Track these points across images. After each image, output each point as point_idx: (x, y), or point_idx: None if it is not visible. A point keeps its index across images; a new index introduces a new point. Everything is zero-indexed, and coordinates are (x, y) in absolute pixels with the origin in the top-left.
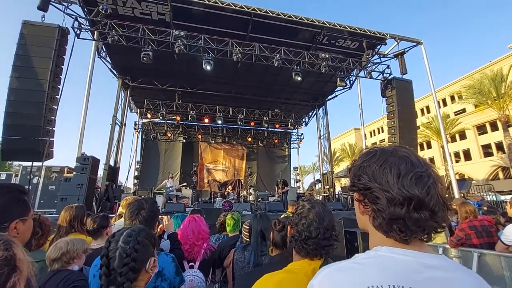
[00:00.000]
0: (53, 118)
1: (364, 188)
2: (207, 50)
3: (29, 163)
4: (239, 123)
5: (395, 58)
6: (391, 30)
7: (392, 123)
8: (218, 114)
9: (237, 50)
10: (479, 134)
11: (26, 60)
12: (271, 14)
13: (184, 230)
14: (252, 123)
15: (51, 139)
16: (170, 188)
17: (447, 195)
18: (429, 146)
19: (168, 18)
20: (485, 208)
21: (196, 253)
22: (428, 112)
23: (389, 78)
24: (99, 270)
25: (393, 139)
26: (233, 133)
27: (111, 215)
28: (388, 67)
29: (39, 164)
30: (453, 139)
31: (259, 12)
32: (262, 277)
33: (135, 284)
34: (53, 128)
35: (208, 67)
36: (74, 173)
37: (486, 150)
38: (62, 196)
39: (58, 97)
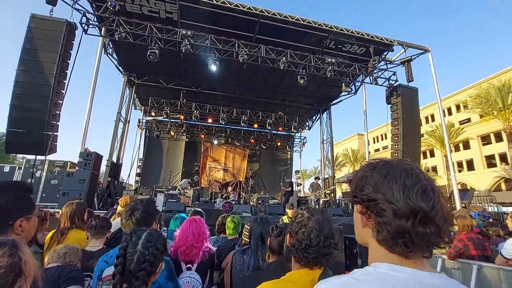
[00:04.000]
0: (58, 112)
1: (368, 199)
2: (213, 50)
3: (33, 157)
4: (243, 124)
5: (402, 65)
6: (398, 36)
7: (396, 130)
8: (222, 114)
9: (243, 51)
10: (483, 145)
11: (33, 53)
12: (279, 17)
13: (184, 231)
14: (256, 125)
15: (55, 133)
16: (182, 191)
17: (450, 210)
18: (432, 154)
19: (176, 17)
20: (488, 220)
21: (194, 255)
22: (433, 120)
23: (394, 85)
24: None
25: (396, 146)
26: (236, 134)
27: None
28: (394, 73)
29: (43, 158)
30: (457, 149)
31: (266, 14)
32: (260, 285)
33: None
34: (58, 123)
35: (214, 67)
36: (76, 168)
37: (490, 161)
38: (64, 190)
39: (64, 91)
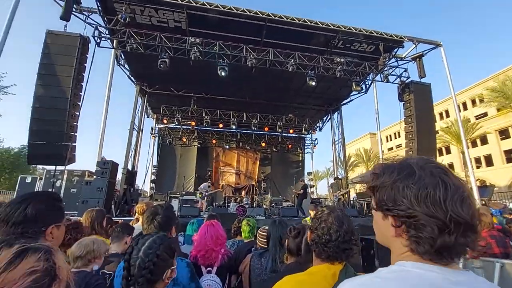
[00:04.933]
0: (75, 124)
1: (407, 215)
2: (222, 56)
3: (52, 167)
4: (253, 128)
5: (413, 61)
6: (409, 32)
7: (410, 127)
8: (232, 119)
9: (251, 55)
10: (502, 139)
11: (50, 68)
12: (286, 19)
13: (203, 235)
14: (266, 128)
15: (73, 144)
16: (204, 193)
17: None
18: (448, 151)
19: (184, 26)
20: (510, 217)
21: (214, 259)
22: (448, 116)
23: (406, 81)
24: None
25: (411, 144)
26: (247, 138)
27: (129, 218)
28: (405, 70)
29: (62, 168)
30: (474, 144)
31: (273, 17)
32: (283, 278)
33: None
34: (75, 134)
35: (223, 73)
36: (94, 176)
37: (509, 156)
38: (83, 199)
39: (80, 103)
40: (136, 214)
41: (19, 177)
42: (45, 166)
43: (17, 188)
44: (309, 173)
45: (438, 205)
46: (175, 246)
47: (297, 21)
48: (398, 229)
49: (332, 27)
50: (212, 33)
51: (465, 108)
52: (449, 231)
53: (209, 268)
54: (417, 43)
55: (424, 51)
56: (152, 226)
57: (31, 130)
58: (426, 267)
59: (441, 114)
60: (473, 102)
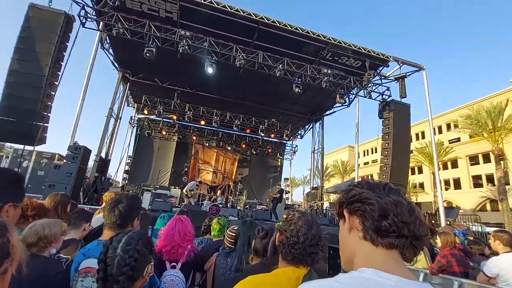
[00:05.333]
0: (50, 104)
1: (354, 195)
2: (211, 53)
3: (21, 146)
4: (235, 128)
5: (396, 81)
6: (392, 52)
7: (387, 144)
8: (215, 117)
9: (240, 56)
10: (471, 164)
11: (29, 43)
12: (278, 25)
13: (170, 230)
14: (248, 130)
15: (45, 124)
16: (189, 193)
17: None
18: (420, 171)
19: (176, 17)
20: (471, 238)
21: (180, 255)
22: (423, 137)
23: (388, 100)
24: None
25: (386, 160)
26: (228, 138)
27: (97, 207)
28: (388, 89)
29: (31, 148)
30: (445, 167)
31: (266, 21)
32: (246, 278)
33: None
34: (49, 114)
35: (210, 70)
36: (64, 161)
37: (476, 181)
38: (51, 182)
39: (57, 83)
40: (104, 203)
41: None
42: (13, 145)
43: None
44: (286, 179)
45: (386, 198)
46: (151, 242)
47: (290, 28)
48: (351, 219)
49: (323, 38)
50: (203, 29)
51: (440, 132)
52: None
53: (173, 264)
54: (401, 64)
55: (407, 72)
56: (112, 214)
57: (2, 106)
58: (386, 276)
59: (417, 135)
60: (448, 126)
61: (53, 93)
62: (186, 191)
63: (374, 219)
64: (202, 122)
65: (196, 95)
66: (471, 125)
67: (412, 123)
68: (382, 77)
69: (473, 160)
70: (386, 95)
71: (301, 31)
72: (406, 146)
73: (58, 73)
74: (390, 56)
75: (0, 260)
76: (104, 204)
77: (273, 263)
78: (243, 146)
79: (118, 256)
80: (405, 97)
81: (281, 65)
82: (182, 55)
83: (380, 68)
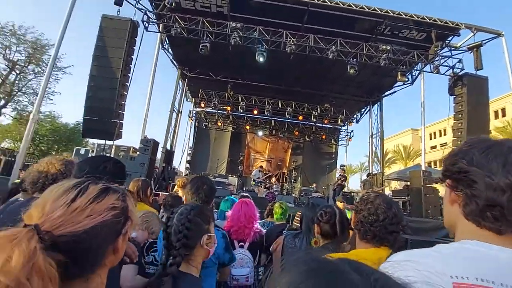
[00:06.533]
0: (123, 102)
1: (459, 171)
2: (261, 42)
3: (102, 141)
4: (288, 116)
5: (470, 51)
6: (463, 19)
7: (460, 124)
8: (267, 106)
9: (291, 41)
10: None
11: (103, 50)
12: (329, 3)
13: (237, 212)
14: (301, 117)
15: (121, 121)
16: (257, 180)
17: None
18: None
19: (226, 11)
20: None
21: (246, 235)
22: (504, 115)
23: (459, 73)
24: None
25: (459, 142)
26: (281, 126)
27: (165, 193)
28: (460, 61)
29: (111, 143)
30: None
31: (316, 1)
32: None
33: (192, 258)
34: (123, 112)
35: (261, 59)
36: (138, 153)
37: None
38: (128, 172)
39: (128, 84)
40: (176, 187)
41: (74, 149)
42: (95, 141)
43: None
44: (342, 166)
45: (495, 167)
46: (210, 214)
47: (342, 6)
48: (453, 193)
49: (380, 12)
50: (253, 18)
51: None
52: (502, 191)
53: (241, 243)
54: (475, 31)
55: (483, 40)
56: (197, 198)
57: (86, 107)
58: (488, 246)
59: (496, 112)
60: None
61: (126, 93)
62: (253, 181)
63: (479, 207)
64: (255, 112)
65: (248, 86)
66: None
67: (491, 99)
68: (452, 48)
69: None
70: (458, 68)
71: (354, 7)
72: (483, 126)
73: (128, 74)
74: (461, 24)
75: (124, 221)
76: (176, 187)
77: (342, 241)
78: (296, 133)
79: (174, 225)
80: (482, 69)
81: (334, 47)
82: (233, 48)
83: (450, 38)
